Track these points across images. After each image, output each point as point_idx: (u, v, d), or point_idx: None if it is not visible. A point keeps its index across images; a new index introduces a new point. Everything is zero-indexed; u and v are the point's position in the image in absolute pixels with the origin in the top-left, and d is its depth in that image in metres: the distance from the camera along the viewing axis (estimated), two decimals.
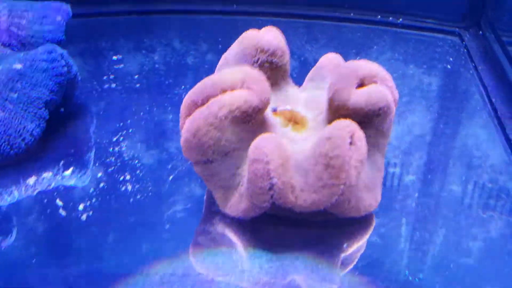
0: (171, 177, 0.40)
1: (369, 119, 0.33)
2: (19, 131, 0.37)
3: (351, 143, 0.30)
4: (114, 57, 0.60)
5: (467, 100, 0.56)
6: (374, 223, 0.37)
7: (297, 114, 0.37)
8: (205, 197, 0.38)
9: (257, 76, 0.32)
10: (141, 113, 0.49)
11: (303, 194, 0.30)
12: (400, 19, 0.75)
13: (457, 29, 0.74)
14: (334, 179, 0.29)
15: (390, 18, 0.76)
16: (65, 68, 0.41)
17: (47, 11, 0.49)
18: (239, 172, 0.33)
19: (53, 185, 0.39)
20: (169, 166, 0.41)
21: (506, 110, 0.49)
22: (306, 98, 0.38)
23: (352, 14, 0.76)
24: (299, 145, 0.33)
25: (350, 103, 0.32)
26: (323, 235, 0.35)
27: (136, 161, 0.42)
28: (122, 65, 0.57)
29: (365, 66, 0.33)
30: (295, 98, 0.38)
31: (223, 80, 0.32)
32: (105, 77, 0.55)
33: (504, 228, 0.35)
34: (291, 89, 0.39)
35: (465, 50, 0.69)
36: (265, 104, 0.31)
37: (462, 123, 0.50)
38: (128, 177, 0.40)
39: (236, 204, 0.33)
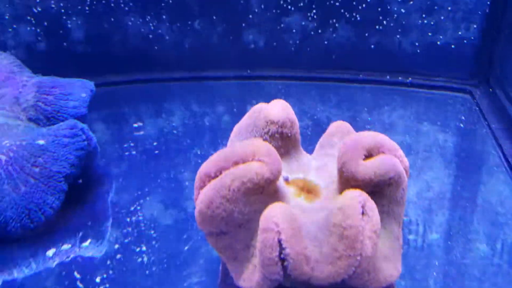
0: (186, 248, 0.40)
1: (381, 189, 0.33)
2: (39, 204, 0.38)
3: (363, 213, 0.30)
4: (135, 124, 0.62)
5: (484, 157, 0.55)
6: None
7: (310, 182, 0.37)
8: (220, 268, 0.37)
9: (268, 149, 0.32)
10: (159, 180, 0.50)
11: (319, 266, 0.30)
12: (409, 79, 0.76)
13: (467, 86, 0.75)
14: (349, 250, 0.29)
15: (399, 78, 0.77)
16: (85, 142, 0.43)
17: (73, 88, 0.51)
18: (253, 243, 0.33)
19: (71, 256, 0.39)
20: (185, 236, 0.41)
21: None
22: (318, 166, 0.39)
23: (361, 76, 0.77)
24: (312, 215, 0.33)
25: (359, 175, 0.32)
26: None
27: (152, 231, 0.42)
28: (142, 132, 0.59)
29: (370, 137, 0.34)
30: (306, 166, 0.39)
31: (235, 153, 0.32)
32: (125, 144, 0.56)
33: None
34: (302, 157, 0.39)
35: (477, 108, 0.69)
36: (276, 175, 0.32)
37: (482, 180, 0.49)
38: (144, 248, 0.40)
39: (250, 276, 0.33)
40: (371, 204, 0.30)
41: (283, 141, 0.37)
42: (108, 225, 0.43)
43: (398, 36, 0.77)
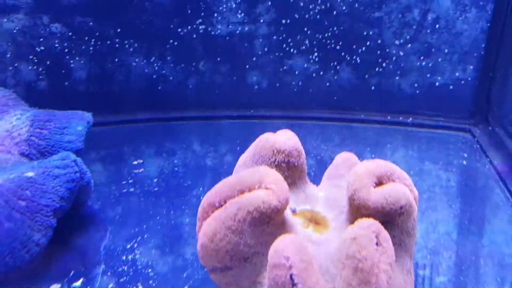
0: (184, 274, 0.37)
1: (392, 218, 0.31)
2: (23, 241, 0.35)
3: (377, 244, 0.27)
4: (135, 162, 0.60)
5: (488, 195, 0.53)
6: None
7: (317, 214, 0.35)
8: None
9: (275, 176, 0.30)
10: (158, 217, 0.47)
11: None
12: (410, 119, 0.76)
13: (466, 125, 0.74)
14: (364, 285, 0.26)
15: (400, 118, 0.77)
16: (77, 174, 0.40)
17: (69, 122, 0.49)
18: (259, 280, 0.30)
19: None
20: (184, 275, 0.38)
21: None
22: (325, 197, 0.37)
23: (362, 116, 0.77)
24: (322, 247, 0.30)
25: (370, 203, 0.30)
26: None
27: (150, 270, 0.39)
28: (142, 169, 0.57)
29: (381, 164, 0.32)
30: (314, 198, 0.37)
31: (241, 181, 0.30)
32: (124, 182, 0.54)
33: None
34: (309, 189, 0.37)
35: (478, 146, 0.68)
36: (284, 204, 0.30)
37: (487, 219, 0.47)
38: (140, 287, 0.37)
39: None
40: (385, 234, 0.28)
41: (289, 171, 0.36)
42: (101, 264, 0.40)
43: (397, 78, 0.77)
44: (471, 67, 0.75)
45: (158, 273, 0.39)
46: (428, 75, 0.76)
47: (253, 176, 0.30)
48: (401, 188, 0.31)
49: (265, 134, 0.37)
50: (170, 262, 0.40)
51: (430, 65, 0.76)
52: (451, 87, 0.76)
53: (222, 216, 0.29)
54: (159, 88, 0.78)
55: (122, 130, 0.74)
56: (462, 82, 0.76)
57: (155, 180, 0.53)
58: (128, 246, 0.42)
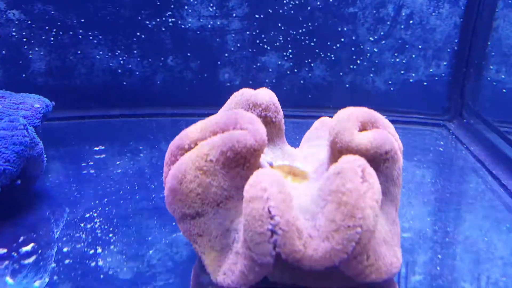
0: (151, 251, 0.34)
1: (376, 164, 0.29)
2: None
3: (362, 180, 0.26)
4: (97, 156, 0.57)
5: (467, 178, 0.53)
6: None
7: (296, 169, 0.33)
8: (193, 266, 0.32)
9: (252, 116, 0.29)
10: (121, 200, 0.44)
11: (312, 242, 0.25)
12: (385, 116, 0.77)
13: (441, 121, 0.75)
14: (348, 219, 0.25)
15: None
16: (27, 139, 0.37)
17: (25, 99, 0.47)
18: (234, 226, 0.28)
19: (5, 263, 0.32)
20: (150, 238, 0.35)
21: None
22: (304, 155, 0.35)
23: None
24: (304, 190, 0.28)
25: (354, 144, 0.29)
26: None
27: (111, 235, 0.36)
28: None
29: (365, 111, 0.31)
30: (292, 155, 0.35)
31: (214, 122, 0.29)
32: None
33: None
34: (287, 148, 0.36)
35: (454, 137, 0.69)
36: (261, 144, 0.28)
37: (463, 215, 0.46)
38: (99, 250, 0.34)
39: (232, 267, 0.27)
40: (371, 170, 0.27)
41: (267, 127, 0.34)
42: (54, 234, 0.36)
43: (371, 75, 0.78)
44: (445, 63, 0.77)
45: (118, 237, 0.36)
46: (402, 72, 0.78)
47: (227, 117, 0.29)
48: (386, 134, 0.30)
49: (243, 89, 0.36)
50: (133, 231, 0.37)
51: (404, 61, 0.77)
52: (425, 83, 0.78)
53: (192, 156, 0.27)
54: (124, 83, 0.76)
55: (84, 126, 0.70)
56: (436, 78, 0.77)
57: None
58: (87, 215, 0.39)
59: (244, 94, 0.34)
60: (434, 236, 0.38)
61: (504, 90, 0.70)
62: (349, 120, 0.29)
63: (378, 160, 0.29)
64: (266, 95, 0.34)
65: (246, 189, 0.25)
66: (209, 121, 0.29)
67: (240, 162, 0.28)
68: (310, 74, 0.79)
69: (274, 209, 0.24)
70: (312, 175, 0.32)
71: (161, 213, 0.40)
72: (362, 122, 0.30)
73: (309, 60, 0.78)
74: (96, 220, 0.39)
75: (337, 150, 0.29)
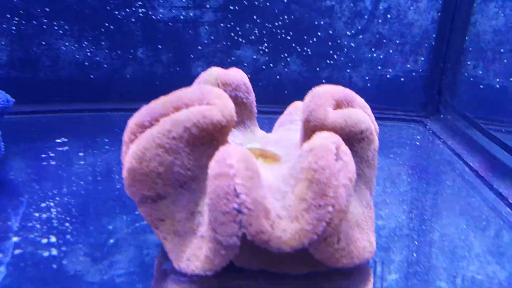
0: (111, 241, 0.32)
1: (351, 144, 0.28)
2: None
3: (336, 157, 0.25)
4: (60, 148, 0.54)
5: (444, 170, 0.53)
6: (371, 281, 0.29)
7: (267, 152, 0.32)
8: (157, 256, 0.30)
9: (219, 92, 0.27)
10: (82, 190, 0.42)
11: (281, 222, 0.24)
12: None
13: (418, 117, 0.76)
14: (319, 198, 0.23)
15: None
16: None
17: None
18: (199, 209, 0.26)
19: None
20: (110, 227, 0.34)
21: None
22: (276, 139, 0.34)
23: None
24: (273, 170, 0.27)
25: (328, 122, 0.28)
26: None
27: (67, 224, 0.34)
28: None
29: (340, 88, 0.30)
30: (264, 139, 0.34)
31: (177, 97, 0.27)
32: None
33: None
34: (259, 131, 0.35)
35: (431, 132, 0.69)
36: (230, 121, 0.26)
37: (439, 213, 0.45)
38: (53, 239, 0.32)
39: (196, 251, 0.26)
40: (345, 148, 0.25)
41: (237, 108, 0.33)
42: (6, 221, 0.34)
43: (348, 70, 0.78)
44: (422, 58, 0.77)
45: (76, 229, 0.33)
46: (379, 67, 0.78)
47: (192, 91, 0.27)
48: (362, 113, 0.29)
49: (212, 67, 0.34)
50: (93, 221, 0.35)
51: (381, 56, 0.77)
52: (402, 79, 0.78)
53: (153, 133, 0.26)
54: (92, 76, 0.73)
55: (48, 121, 0.68)
56: (413, 74, 0.78)
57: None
58: (43, 205, 0.37)
59: (213, 72, 0.32)
60: (409, 233, 0.38)
61: (481, 86, 0.71)
62: (323, 97, 0.28)
63: (352, 140, 0.28)
64: (236, 74, 0.32)
65: (211, 165, 0.23)
66: (172, 96, 0.27)
67: (206, 140, 0.26)
68: (286, 69, 0.78)
69: (240, 187, 0.23)
70: (284, 157, 0.31)
71: (124, 203, 0.38)
72: (337, 101, 0.29)
73: (285, 55, 0.77)
74: (52, 210, 0.37)
75: (311, 129, 0.28)
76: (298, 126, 0.33)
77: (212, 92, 0.27)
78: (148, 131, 0.26)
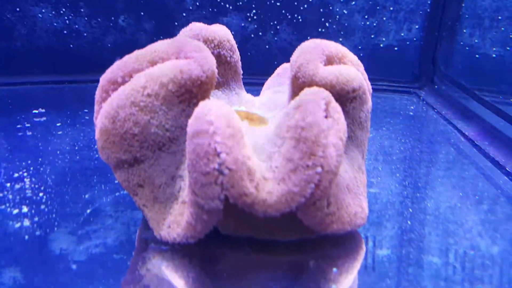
0: (88, 210, 0.31)
1: (342, 103, 0.27)
2: None
3: (326, 114, 0.23)
4: (36, 118, 0.52)
5: (433, 160, 0.51)
6: (364, 249, 0.28)
7: (253, 115, 0.30)
8: (138, 228, 0.28)
9: (198, 44, 0.25)
10: (58, 161, 0.40)
11: (266, 184, 0.22)
12: None
13: (411, 89, 0.74)
14: (307, 158, 0.22)
15: None
16: None
17: None
18: (180, 173, 0.25)
19: None
20: (87, 197, 0.32)
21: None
22: (263, 101, 0.32)
23: None
24: (259, 133, 0.26)
25: (318, 78, 0.26)
26: (299, 264, 0.26)
27: (41, 194, 0.32)
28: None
29: (331, 43, 0.28)
30: (250, 102, 0.32)
31: (152, 50, 0.25)
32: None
33: None
34: (244, 94, 0.33)
35: (425, 102, 0.68)
36: (210, 76, 0.25)
37: (432, 187, 0.44)
38: (25, 209, 0.30)
39: (177, 219, 0.24)
40: (336, 105, 0.24)
41: (221, 67, 0.31)
42: None
43: (340, 39, 0.76)
44: (416, 26, 0.75)
45: (51, 199, 0.32)
46: (373, 36, 0.76)
47: (168, 44, 0.25)
48: (355, 70, 0.27)
49: (194, 22, 0.32)
50: (69, 191, 0.33)
51: (374, 24, 0.75)
52: (396, 48, 0.76)
53: (126, 90, 0.24)
54: (71, 45, 0.71)
55: (25, 93, 0.65)
56: (407, 42, 0.76)
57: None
58: (16, 175, 0.35)
59: (194, 28, 0.30)
60: (403, 201, 0.37)
61: (477, 56, 0.69)
62: (313, 52, 0.27)
63: (344, 99, 0.27)
64: (220, 29, 0.31)
65: (190, 123, 0.22)
66: (147, 49, 0.25)
67: (185, 98, 0.25)
68: (276, 38, 0.76)
69: (221, 146, 0.21)
70: (271, 120, 0.29)
71: (103, 172, 0.37)
72: (328, 56, 0.27)
73: (275, 22, 0.75)
74: (26, 180, 0.35)
75: (299, 87, 0.26)
76: (286, 88, 0.32)
77: (190, 44, 0.25)
78: (121, 88, 0.24)
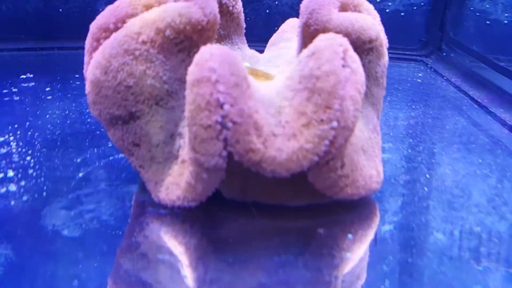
0: (80, 174, 0.28)
1: (358, 55, 0.24)
2: None
3: (344, 63, 0.21)
4: (27, 87, 0.49)
5: (437, 131, 0.48)
6: (378, 216, 0.26)
7: (258, 71, 0.28)
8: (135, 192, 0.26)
9: None
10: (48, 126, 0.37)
11: (276, 140, 0.20)
12: None
13: (418, 57, 0.72)
14: (322, 111, 0.20)
15: None
16: None
17: None
18: (180, 130, 0.23)
19: None
20: (78, 160, 0.30)
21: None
22: (268, 58, 0.30)
23: None
24: (267, 86, 0.23)
25: (332, 25, 0.24)
26: (309, 230, 0.24)
27: (29, 158, 0.30)
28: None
29: None
30: (254, 58, 0.30)
31: None
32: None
33: (506, 283, 0.25)
34: (247, 49, 0.31)
35: (433, 70, 0.65)
36: (212, 21, 0.22)
37: (436, 158, 0.42)
38: (10, 174, 0.28)
39: (176, 180, 0.22)
40: (353, 54, 0.22)
41: (223, 19, 0.28)
42: None
43: None
44: None
45: (40, 162, 0.30)
46: (378, 0, 0.73)
47: None
48: (371, 19, 0.25)
49: None
50: (59, 155, 0.31)
51: None
52: (402, 13, 0.73)
53: (119, 37, 0.22)
54: (60, 10, 0.68)
55: (13, 59, 0.62)
56: (415, 7, 0.73)
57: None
58: (1, 139, 0.33)
59: None
60: (417, 166, 0.35)
61: (487, 22, 0.67)
62: None
63: (360, 50, 0.24)
64: None
65: (190, 70, 0.19)
66: None
67: (184, 46, 0.22)
68: (276, 2, 0.72)
69: (224, 96, 0.19)
70: (278, 76, 0.27)
71: (96, 135, 0.35)
72: (342, 2, 0.25)
73: None
74: (12, 144, 0.33)
75: (311, 36, 0.24)
76: (294, 43, 0.29)
77: None
78: (113, 35, 0.22)
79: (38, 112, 0.40)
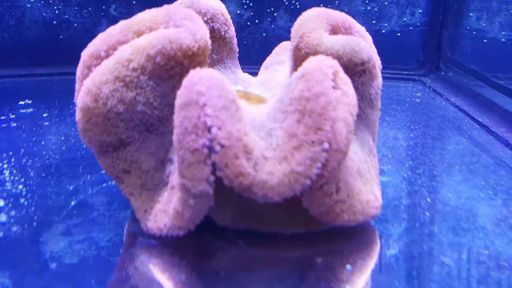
0: (73, 203, 0.28)
1: (350, 77, 0.24)
2: None
3: (334, 84, 0.21)
4: (28, 108, 0.49)
5: (437, 152, 0.48)
6: (378, 244, 0.26)
7: (251, 94, 0.27)
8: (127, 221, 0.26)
9: (189, 12, 0.23)
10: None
11: (266, 164, 0.20)
12: None
13: (416, 76, 0.72)
14: (313, 133, 0.19)
15: None
16: None
17: None
18: (170, 156, 0.22)
19: None
20: (71, 188, 0.29)
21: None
22: (261, 80, 0.30)
23: None
24: (258, 109, 0.23)
25: (323, 48, 0.23)
26: (305, 261, 0.23)
27: (21, 186, 0.30)
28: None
29: (336, 12, 0.26)
30: (247, 81, 0.30)
31: (139, 20, 0.23)
32: (3, 121, 0.42)
33: None
34: (240, 73, 0.30)
35: (431, 90, 0.65)
36: (202, 47, 0.22)
37: (439, 179, 0.41)
38: (1, 203, 0.27)
39: (164, 207, 0.22)
40: (344, 76, 0.21)
41: (215, 44, 0.28)
42: None
43: None
44: (420, 10, 0.73)
45: (32, 191, 0.29)
46: (374, 22, 0.73)
47: (156, 13, 0.23)
48: (363, 41, 0.25)
49: None
50: (52, 183, 0.31)
51: (376, 9, 0.73)
52: (398, 34, 0.74)
53: (109, 64, 0.21)
54: (61, 37, 0.68)
55: (13, 85, 0.62)
56: (411, 28, 0.73)
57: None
58: None
59: (185, 0, 0.28)
60: (418, 190, 0.34)
61: (485, 41, 0.67)
62: (317, 20, 0.24)
63: (352, 73, 0.24)
64: (213, 1, 0.28)
65: (178, 93, 0.19)
66: (133, 19, 0.23)
67: (175, 72, 0.22)
68: (273, 26, 0.73)
69: (212, 119, 0.18)
70: (270, 99, 0.27)
71: (90, 161, 0.34)
72: (333, 26, 0.25)
73: (272, 9, 0.72)
74: (5, 172, 0.32)
75: (302, 59, 0.24)
76: (287, 66, 0.29)
77: (180, 12, 0.22)
78: (104, 62, 0.22)
79: (34, 139, 0.40)
